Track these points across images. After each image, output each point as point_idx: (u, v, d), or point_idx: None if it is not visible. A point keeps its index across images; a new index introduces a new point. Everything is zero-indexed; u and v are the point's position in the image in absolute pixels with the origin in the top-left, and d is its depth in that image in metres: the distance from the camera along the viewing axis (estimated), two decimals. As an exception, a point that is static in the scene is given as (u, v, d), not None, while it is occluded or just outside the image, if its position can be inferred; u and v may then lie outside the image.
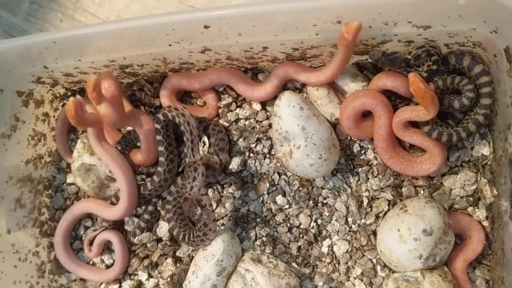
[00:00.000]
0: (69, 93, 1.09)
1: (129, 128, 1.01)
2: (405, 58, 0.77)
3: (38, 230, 1.05)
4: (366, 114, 0.85)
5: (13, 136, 1.00)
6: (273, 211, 0.92)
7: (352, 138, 0.89)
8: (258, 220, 0.92)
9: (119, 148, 0.99)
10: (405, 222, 0.78)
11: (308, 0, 0.71)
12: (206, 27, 0.78)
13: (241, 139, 0.95)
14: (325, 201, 0.90)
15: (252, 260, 0.85)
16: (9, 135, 0.99)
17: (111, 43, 0.88)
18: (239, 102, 0.97)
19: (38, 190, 1.06)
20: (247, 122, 0.95)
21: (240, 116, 0.96)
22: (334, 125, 0.90)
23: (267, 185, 0.92)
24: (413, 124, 0.82)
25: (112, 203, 0.99)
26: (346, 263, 0.87)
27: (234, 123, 0.97)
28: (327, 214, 0.89)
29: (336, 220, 0.89)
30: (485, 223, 0.83)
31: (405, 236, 0.77)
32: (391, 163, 0.83)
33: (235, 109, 0.96)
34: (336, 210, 0.89)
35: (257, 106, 0.95)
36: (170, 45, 0.85)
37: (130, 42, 0.86)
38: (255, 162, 0.93)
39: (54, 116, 1.08)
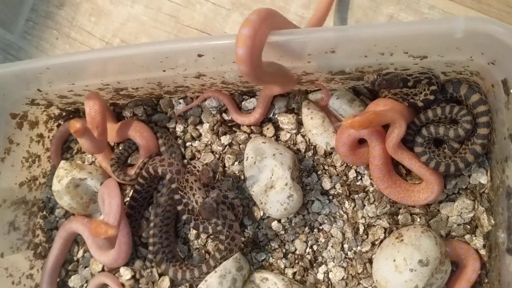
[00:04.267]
0: (64, 113, 1.08)
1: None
2: (403, 77, 0.76)
3: (32, 253, 1.04)
4: (362, 141, 0.84)
5: (7, 159, 0.99)
6: (268, 236, 0.91)
7: (348, 164, 0.88)
8: (253, 245, 0.91)
9: (114, 167, 0.98)
10: (401, 252, 0.77)
11: (305, 33, 0.71)
12: (200, 55, 0.77)
13: (236, 163, 0.94)
14: (321, 227, 0.89)
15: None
16: (3, 158, 0.98)
17: (105, 69, 0.87)
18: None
19: (33, 212, 1.05)
20: (242, 146, 0.95)
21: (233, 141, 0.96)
22: (330, 153, 0.89)
23: (261, 211, 0.91)
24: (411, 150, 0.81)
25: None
26: (342, 291, 0.86)
27: (228, 146, 0.96)
28: (323, 240, 0.88)
29: (332, 246, 0.88)
30: (483, 252, 0.82)
31: (401, 266, 0.76)
32: (388, 192, 0.82)
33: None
34: (332, 236, 0.88)
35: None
36: (164, 71, 0.84)
37: (124, 68, 0.86)
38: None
39: (48, 137, 1.08)
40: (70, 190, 0.98)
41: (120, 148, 1.01)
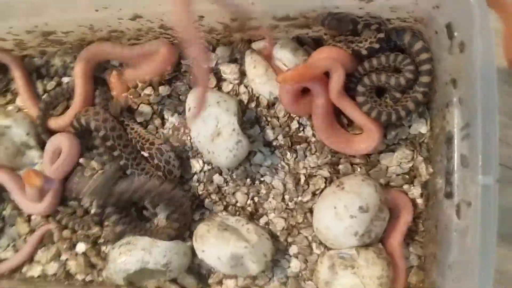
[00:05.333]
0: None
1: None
2: (353, 18, 0.75)
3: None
4: (306, 91, 0.82)
5: None
6: (209, 190, 0.89)
7: (291, 115, 0.86)
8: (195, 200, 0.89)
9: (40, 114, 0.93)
10: (342, 199, 0.77)
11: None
12: (136, -9, 0.72)
13: (175, 114, 0.90)
14: (262, 179, 0.87)
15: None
16: None
17: (31, 7, 0.79)
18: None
19: None
20: (182, 97, 0.91)
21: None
22: (273, 103, 0.87)
23: (200, 163, 0.88)
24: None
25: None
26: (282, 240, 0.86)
27: (167, 97, 0.92)
28: (264, 192, 0.87)
29: (273, 197, 0.87)
30: (420, 201, 0.84)
31: (341, 213, 0.77)
32: (329, 142, 0.82)
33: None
34: (274, 187, 0.87)
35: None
36: (96, 10, 0.78)
37: (53, 5, 0.79)
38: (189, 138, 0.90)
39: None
40: None
41: (52, 94, 0.94)
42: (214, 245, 0.80)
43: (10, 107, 0.98)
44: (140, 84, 0.93)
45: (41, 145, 0.94)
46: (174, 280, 0.87)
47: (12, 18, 0.82)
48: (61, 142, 0.91)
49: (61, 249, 0.93)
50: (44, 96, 0.95)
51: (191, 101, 0.86)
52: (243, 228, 0.83)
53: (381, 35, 0.76)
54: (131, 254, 0.83)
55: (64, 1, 0.78)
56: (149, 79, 0.92)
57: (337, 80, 0.76)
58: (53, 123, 0.93)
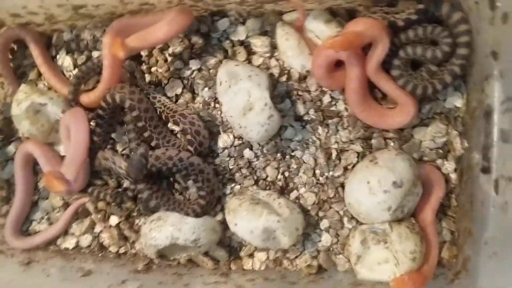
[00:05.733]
0: (17, 36, 1.00)
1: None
2: None
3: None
4: (339, 64, 0.81)
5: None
6: (239, 164, 0.89)
7: (323, 89, 0.86)
8: (225, 174, 0.90)
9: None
10: (375, 174, 0.77)
11: None
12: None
13: (206, 88, 0.90)
14: (293, 154, 0.87)
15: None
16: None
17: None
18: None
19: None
20: (213, 71, 0.90)
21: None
22: (305, 77, 0.86)
23: (231, 137, 0.89)
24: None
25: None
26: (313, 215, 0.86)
27: (197, 71, 0.91)
28: (295, 166, 0.87)
29: (303, 172, 0.87)
30: (453, 176, 0.83)
31: (374, 188, 0.76)
32: (363, 116, 0.81)
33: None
34: (304, 162, 0.87)
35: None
36: (129, -19, 0.78)
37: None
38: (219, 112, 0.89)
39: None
40: (29, 115, 0.92)
41: (83, 69, 0.94)
42: (246, 219, 0.81)
43: (41, 84, 0.99)
44: (169, 58, 0.93)
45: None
46: (206, 253, 0.89)
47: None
48: (68, 122, 0.92)
49: (96, 221, 0.95)
50: (75, 71, 0.96)
51: (222, 74, 0.86)
52: (275, 202, 0.83)
53: (421, 5, 0.74)
54: (161, 230, 0.84)
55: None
56: (157, 45, 0.91)
57: (380, 52, 0.75)
58: (85, 98, 0.93)
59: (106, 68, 0.90)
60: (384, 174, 0.76)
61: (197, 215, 0.84)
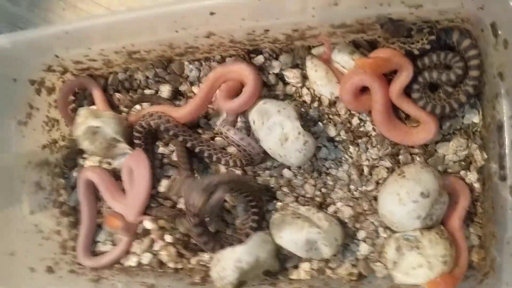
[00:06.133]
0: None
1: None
2: (409, 27, 0.82)
3: (58, 210, 1.11)
4: (364, 89, 0.90)
5: (29, 123, 1.05)
6: (280, 183, 0.98)
7: (352, 112, 0.95)
8: (268, 192, 0.99)
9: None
10: (404, 186, 0.85)
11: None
12: (212, 13, 0.83)
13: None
14: (328, 171, 0.96)
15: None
16: (25, 122, 1.05)
17: (120, 32, 0.92)
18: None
19: (55, 173, 1.12)
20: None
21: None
22: (334, 102, 0.96)
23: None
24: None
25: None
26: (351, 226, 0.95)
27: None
28: (331, 183, 0.96)
29: (339, 188, 0.96)
30: (477, 185, 0.90)
31: (404, 199, 0.84)
32: (390, 135, 0.89)
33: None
34: (339, 179, 0.95)
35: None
36: (177, 31, 0.90)
37: (139, 30, 0.91)
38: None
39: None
40: (88, 136, 1.04)
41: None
42: (289, 232, 0.90)
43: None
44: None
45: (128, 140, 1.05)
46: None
47: (105, 42, 0.95)
48: (132, 165, 1.04)
49: (155, 238, 1.05)
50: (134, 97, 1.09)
51: (253, 114, 0.96)
52: (314, 216, 0.92)
53: (433, 37, 0.82)
54: (224, 268, 0.92)
55: (150, 26, 0.90)
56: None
57: (405, 78, 0.84)
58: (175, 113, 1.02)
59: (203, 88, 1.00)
60: (412, 186, 0.84)
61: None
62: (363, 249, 0.94)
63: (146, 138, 1.04)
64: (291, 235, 0.90)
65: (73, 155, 1.14)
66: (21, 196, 1.03)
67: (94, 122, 1.04)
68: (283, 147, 0.91)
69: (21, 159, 1.04)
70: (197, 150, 0.99)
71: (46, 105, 1.09)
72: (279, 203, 0.99)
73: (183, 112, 1.01)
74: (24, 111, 1.04)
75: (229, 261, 0.91)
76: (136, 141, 1.03)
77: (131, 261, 1.08)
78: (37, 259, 1.05)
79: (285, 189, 0.98)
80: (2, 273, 0.97)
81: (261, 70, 0.99)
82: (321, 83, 0.94)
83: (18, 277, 1.01)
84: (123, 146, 1.05)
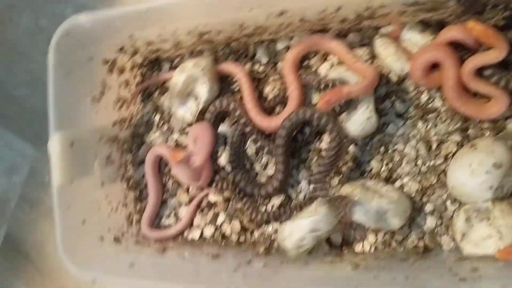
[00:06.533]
0: (145, 62, 1.19)
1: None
2: (484, 2, 0.84)
3: (125, 185, 1.16)
4: (434, 66, 0.93)
5: (101, 100, 1.10)
6: (345, 159, 1.01)
7: (420, 89, 0.97)
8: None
9: None
10: (476, 157, 0.87)
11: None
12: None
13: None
14: (395, 147, 0.99)
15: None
16: (99, 99, 1.09)
17: (197, 11, 0.96)
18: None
19: (124, 149, 1.16)
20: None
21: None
22: (403, 79, 0.98)
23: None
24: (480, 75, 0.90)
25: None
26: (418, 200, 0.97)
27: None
28: (398, 158, 0.98)
29: (406, 163, 0.98)
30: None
31: (476, 170, 0.86)
32: (463, 110, 0.91)
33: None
34: (406, 154, 0.98)
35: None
36: (252, 8, 0.93)
37: (215, 8, 0.94)
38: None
39: (134, 83, 1.18)
40: None
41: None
42: (359, 202, 0.92)
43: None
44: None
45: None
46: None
47: (180, 21, 0.99)
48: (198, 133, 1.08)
49: (219, 211, 1.09)
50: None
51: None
52: (382, 189, 0.94)
53: (507, 13, 0.84)
54: (301, 236, 0.95)
55: (226, 3, 0.94)
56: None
57: (492, 57, 0.85)
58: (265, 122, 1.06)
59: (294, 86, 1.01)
60: (484, 157, 0.86)
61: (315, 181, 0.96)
62: (430, 222, 0.96)
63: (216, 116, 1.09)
64: (361, 206, 0.92)
65: (140, 133, 1.18)
66: (93, 168, 1.07)
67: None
68: (349, 115, 0.96)
69: (94, 134, 1.09)
70: None
71: (117, 85, 1.14)
72: (343, 178, 1.01)
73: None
74: (98, 89, 1.09)
75: (306, 230, 0.94)
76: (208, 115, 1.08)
77: (194, 234, 1.11)
78: (106, 229, 1.09)
79: (351, 164, 1.01)
80: (75, 240, 1.01)
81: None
82: (391, 59, 0.96)
83: (88, 245, 1.05)
84: None
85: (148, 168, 1.14)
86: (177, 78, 1.09)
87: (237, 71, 1.07)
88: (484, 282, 0.82)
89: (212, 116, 1.08)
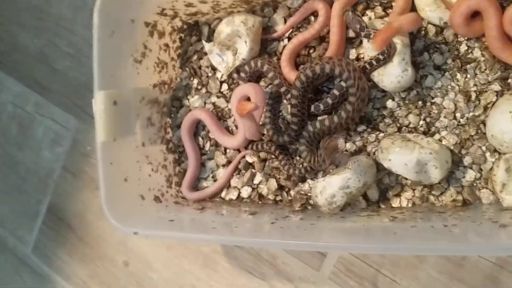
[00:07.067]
0: (185, 26, 1.22)
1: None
2: None
3: (165, 147, 1.19)
4: (473, 15, 0.92)
5: (143, 61, 1.13)
6: (383, 113, 1.01)
7: (459, 40, 0.97)
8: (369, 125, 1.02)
9: None
10: (517, 104, 0.86)
11: None
12: None
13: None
14: (433, 100, 0.98)
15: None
16: (140, 60, 1.13)
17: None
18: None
19: (164, 112, 1.20)
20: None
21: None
22: (442, 30, 0.98)
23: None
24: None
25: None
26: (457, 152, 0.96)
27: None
28: (436, 111, 0.98)
29: (444, 116, 0.97)
30: None
31: (517, 116, 0.85)
32: (505, 57, 0.90)
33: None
34: (444, 107, 0.97)
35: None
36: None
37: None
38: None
39: (173, 48, 1.21)
40: None
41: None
42: (400, 153, 0.92)
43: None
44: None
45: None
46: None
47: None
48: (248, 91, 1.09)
49: (256, 172, 1.11)
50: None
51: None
52: (423, 141, 0.94)
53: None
54: (333, 193, 0.96)
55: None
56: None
57: None
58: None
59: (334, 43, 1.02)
60: (525, 102, 0.85)
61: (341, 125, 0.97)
62: (469, 175, 0.95)
63: (251, 76, 1.10)
64: (402, 157, 0.91)
65: (179, 97, 1.21)
66: (135, 128, 1.11)
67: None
68: (385, 68, 0.95)
69: (136, 94, 1.12)
70: None
71: (157, 48, 1.17)
72: (381, 135, 1.01)
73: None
74: (139, 50, 1.12)
75: (337, 187, 0.95)
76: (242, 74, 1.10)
77: (232, 195, 1.14)
78: (146, 188, 1.12)
79: (388, 120, 1.01)
80: (118, 196, 1.04)
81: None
82: (429, 9, 0.96)
83: (130, 202, 1.08)
84: None
85: (184, 132, 1.17)
86: (222, 28, 1.12)
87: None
88: (526, 228, 0.81)
89: (246, 75, 1.10)
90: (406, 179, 0.97)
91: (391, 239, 0.84)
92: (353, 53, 1.04)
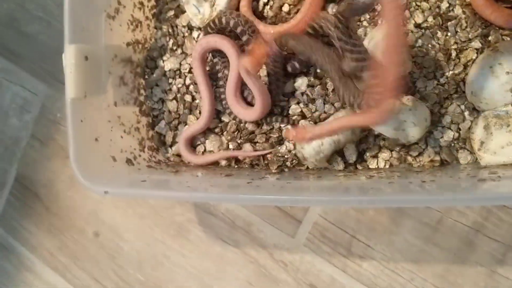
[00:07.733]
0: (161, -15, 1.18)
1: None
2: None
3: (138, 109, 1.15)
4: (456, -29, 0.91)
5: (116, 18, 1.09)
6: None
7: (440, -2, 0.96)
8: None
9: None
10: (497, 59, 0.85)
11: None
12: None
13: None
14: (413, 59, 0.96)
15: None
16: (113, 16, 1.08)
17: None
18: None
19: (138, 73, 1.16)
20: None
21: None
22: (426, -12, 0.97)
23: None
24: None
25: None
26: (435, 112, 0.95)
27: None
28: (417, 71, 0.96)
29: (424, 76, 0.96)
30: None
31: (497, 71, 0.85)
32: (493, 17, 0.89)
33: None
34: (424, 67, 0.96)
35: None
36: None
37: None
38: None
39: (147, 6, 1.17)
40: None
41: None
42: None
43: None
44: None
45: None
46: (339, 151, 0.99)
47: None
48: None
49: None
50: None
51: None
52: (403, 98, 0.92)
53: None
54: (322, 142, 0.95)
55: None
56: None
57: None
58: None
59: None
60: (506, 57, 0.84)
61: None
62: (447, 135, 0.94)
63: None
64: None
65: (154, 57, 1.17)
66: (107, 85, 1.06)
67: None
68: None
69: (108, 50, 1.07)
70: None
71: (132, 5, 1.13)
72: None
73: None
74: (113, 6, 1.08)
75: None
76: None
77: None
78: (118, 150, 1.08)
79: (367, 80, 0.99)
80: (88, 155, 1.00)
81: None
82: (410, -36, 0.95)
83: (101, 162, 1.04)
84: None
85: (196, 65, 1.08)
86: (200, -24, 1.07)
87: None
88: (503, 181, 0.80)
89: (213, 32, 1.05)
90: (384, 139, 0.96)
91: (368, 194, 0.82)
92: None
